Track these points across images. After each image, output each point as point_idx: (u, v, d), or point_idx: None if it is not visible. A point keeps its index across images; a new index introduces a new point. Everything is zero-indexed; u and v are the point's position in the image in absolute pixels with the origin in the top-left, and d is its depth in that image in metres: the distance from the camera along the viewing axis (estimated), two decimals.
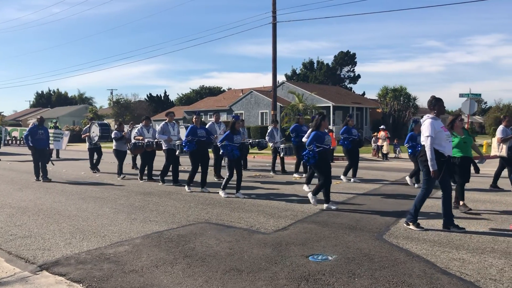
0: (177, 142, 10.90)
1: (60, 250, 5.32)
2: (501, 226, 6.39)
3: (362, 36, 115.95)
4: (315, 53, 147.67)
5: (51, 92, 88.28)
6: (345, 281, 4.17)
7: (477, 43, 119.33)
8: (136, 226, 6.54)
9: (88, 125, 14.76)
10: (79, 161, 19.71)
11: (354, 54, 65.48)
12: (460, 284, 4.09)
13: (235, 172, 9.03)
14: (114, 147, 13.03)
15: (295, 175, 12.69)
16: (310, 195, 7.85)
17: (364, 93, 61.66)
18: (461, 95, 23.33)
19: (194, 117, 10.04)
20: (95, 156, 14.60)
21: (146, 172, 12.01)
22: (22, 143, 20.52)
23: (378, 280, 4.19)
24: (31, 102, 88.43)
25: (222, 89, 70.03)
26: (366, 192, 9.71)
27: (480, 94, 26.68)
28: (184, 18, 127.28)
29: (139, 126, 12.46)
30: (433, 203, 7.96)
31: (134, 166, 15.47)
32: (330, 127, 15.42)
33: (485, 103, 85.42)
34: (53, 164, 12.45)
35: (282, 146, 13.38)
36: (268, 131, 13.82)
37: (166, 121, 11.27)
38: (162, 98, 66.38)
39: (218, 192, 9.44)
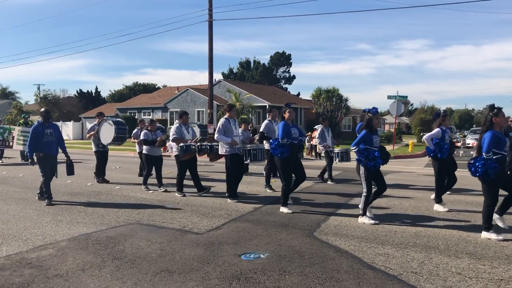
0: (247, 146, 8.89)
1: None
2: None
3: (297, 37, 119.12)
4: (251, 52, 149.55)
5: None
6: (276, 279, 4.22)
7: (405, 47, 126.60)
8: (62, 229, 6.23)
9: (95, 122, 11.16)
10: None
11: (290, 55, 66.74)
12: (384, 278, 4.28)
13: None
14: (144, 151, 10.04)
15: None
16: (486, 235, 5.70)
17: (299, 94, 62.96)
18: (389, 97, 24.38)
19: (287, 110, 7.56)
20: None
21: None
22: (6, 144, 15.07)
23: (307, 276, 4.29)
24: None
25: (157, 86, 68.61)
26: (298, 190, 9.87)
27: (406, 96, 28.08)
28: (116, 13, 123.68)
29: (176, 124, 9.41)
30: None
31: (141, 173, 11.82)
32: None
33: (412, 104, 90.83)
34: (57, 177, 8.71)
35: (336, 150, 10.96)
36: (318, 131, 11.44)
37: (226, 116, 8.56)
38: (93, 94, 63.85)
39: (157, 190, 9.23)
